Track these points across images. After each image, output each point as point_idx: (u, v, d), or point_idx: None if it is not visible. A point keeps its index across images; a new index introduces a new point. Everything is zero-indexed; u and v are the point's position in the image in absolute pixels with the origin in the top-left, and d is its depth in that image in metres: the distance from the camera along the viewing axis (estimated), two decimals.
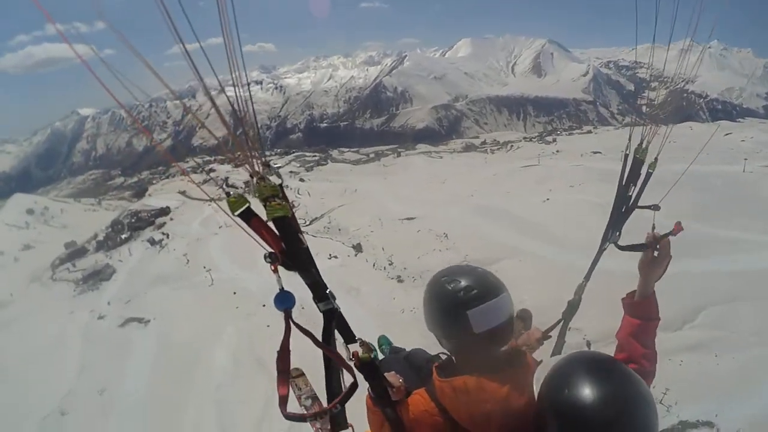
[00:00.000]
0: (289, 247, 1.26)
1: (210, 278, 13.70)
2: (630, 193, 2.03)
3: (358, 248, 13.85)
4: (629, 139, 2.01)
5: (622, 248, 1.99)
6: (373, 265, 12.19)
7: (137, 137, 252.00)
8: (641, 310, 1.82)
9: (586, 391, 1.34)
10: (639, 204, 2.03)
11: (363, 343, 1.55)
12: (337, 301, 1.43)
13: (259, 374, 7.99)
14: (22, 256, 29.35)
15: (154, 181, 51.88)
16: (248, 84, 1.19)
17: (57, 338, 12.74)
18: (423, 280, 11.24)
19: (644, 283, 1.82)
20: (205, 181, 30.88)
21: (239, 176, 27.24)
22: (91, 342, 12.00)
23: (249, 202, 1.20)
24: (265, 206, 1.21)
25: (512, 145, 41.98)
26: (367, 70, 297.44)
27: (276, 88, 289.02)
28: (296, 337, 1.35)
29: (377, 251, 13.08)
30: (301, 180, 29.38)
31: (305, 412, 1.50)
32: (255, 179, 1.20)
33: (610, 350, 1.95)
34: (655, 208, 1.93)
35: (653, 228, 1.81)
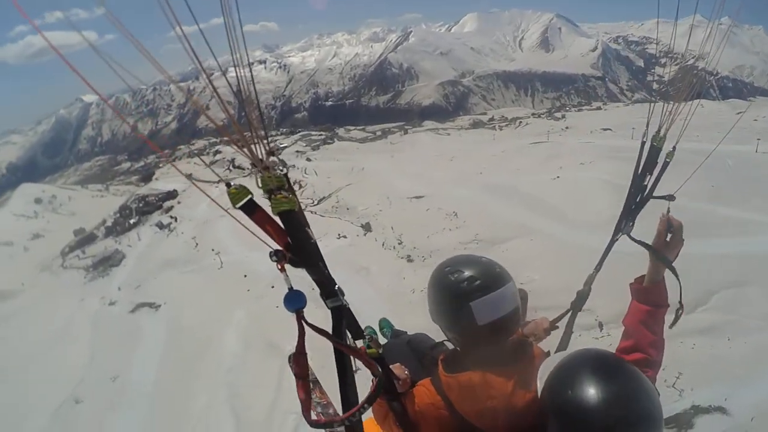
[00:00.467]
0: (295, 243, 1.20)
1: (219, 261, 13.76)
2: (645, 183, 1.98)
3: (367, 227, 13.83)
4: (647, 126, 1.95)
5: (634, 240, 1.95)
6: (383, 245, 12.15)
7: (142, 121, 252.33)
8: (651, 296, 1.79)
9: (590, 392, 1.33)
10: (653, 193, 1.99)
11: (371, 339, 1.52)
12: (345, 290, 1.37)
13: (270, 357, 8.03)
14: (31, 245, 29.51)
15: (160, 165, 51.78)
16: (249, 64, 1.11)
17: (68, 326, 12.89)
18: (433, 260, 11.31)
19: (654, 269, 1.79)
20: (212, 163, 30.93)
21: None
22: (103, 329, 12.14)
23: (251, 194, 1.13)
24: (270, 199, 1.14)
25: (520, 122, 41.24)
26: (371, 46, 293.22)
27: (280, 67, 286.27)
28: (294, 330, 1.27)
29: (386, 230, 13.04)
30: (308, 159, 29.10)
31: (329, 416, 1.43)
32: (258, 169, 1.12)
33: (620, 332, 1.92)
34: (670, 198, 1.89)
35: (668, 210, 1.77)
